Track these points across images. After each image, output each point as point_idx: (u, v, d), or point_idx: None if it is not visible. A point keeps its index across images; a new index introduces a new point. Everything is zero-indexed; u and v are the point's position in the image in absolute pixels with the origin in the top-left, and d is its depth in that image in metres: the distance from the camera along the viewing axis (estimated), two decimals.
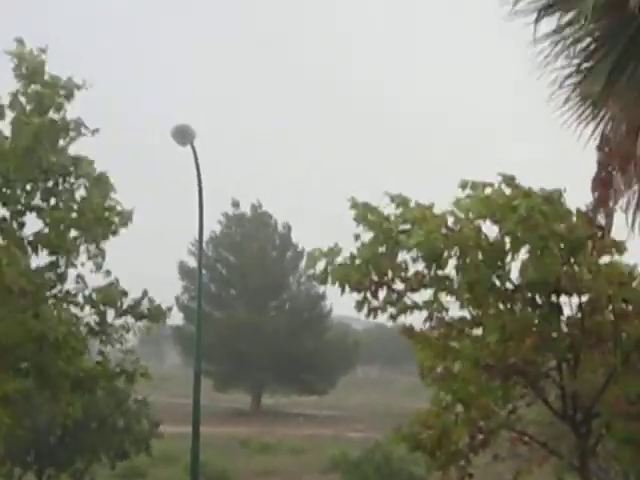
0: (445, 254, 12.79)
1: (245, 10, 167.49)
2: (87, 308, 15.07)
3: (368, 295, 13.31)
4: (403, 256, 13.05)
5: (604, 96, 9.20)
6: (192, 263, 60.25)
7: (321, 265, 13.39)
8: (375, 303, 13.40)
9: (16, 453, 20.71)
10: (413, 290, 13.24)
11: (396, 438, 13.55)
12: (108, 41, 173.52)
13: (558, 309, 13.08)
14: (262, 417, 53.17)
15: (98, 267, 15.02)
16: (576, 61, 9.42)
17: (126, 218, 15.26)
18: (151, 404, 23.76)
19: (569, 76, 9.49)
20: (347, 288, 13.29)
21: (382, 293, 13.38)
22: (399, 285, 13.31)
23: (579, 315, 13.02)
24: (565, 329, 13.02)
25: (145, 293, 15.56)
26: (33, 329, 13.87)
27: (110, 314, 15.27)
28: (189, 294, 60.10)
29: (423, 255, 12.86)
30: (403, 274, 13.13)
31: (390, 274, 13.19)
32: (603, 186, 9.92)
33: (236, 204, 63.09)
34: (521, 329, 12.75)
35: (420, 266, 13.05)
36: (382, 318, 13.95)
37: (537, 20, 8.97)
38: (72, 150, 14.95)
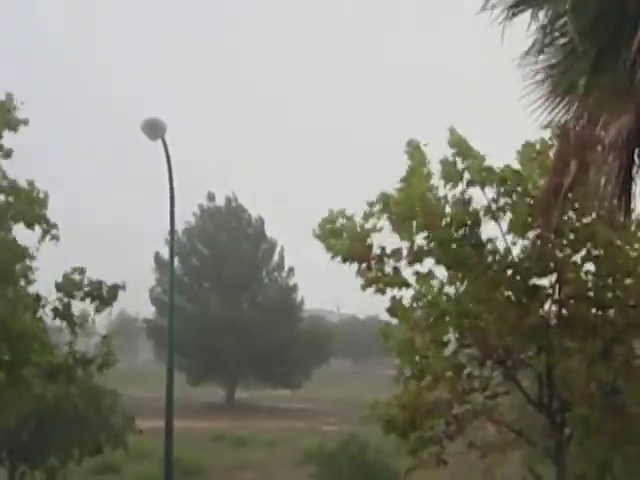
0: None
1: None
2: (53, 294, 15.25)
3: (364, 266, 13.49)
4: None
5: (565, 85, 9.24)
6: (167, 255, 59.95)
7: (328, 225, 13.61)
8: (371, 275, 13.57)
9: None
10: (414, 262, 13.39)
11: (371, 417, 13.63)
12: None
13: (533, 290, 13.17)
14: (236, 411, 53.04)
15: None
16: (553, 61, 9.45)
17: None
18: (125, 399, 23.63)
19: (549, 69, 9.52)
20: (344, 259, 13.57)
21: (377, 265, 13.56)
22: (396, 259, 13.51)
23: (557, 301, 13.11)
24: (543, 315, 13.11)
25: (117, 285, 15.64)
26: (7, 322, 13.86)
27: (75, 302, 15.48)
28: (162, 287, 59.82)
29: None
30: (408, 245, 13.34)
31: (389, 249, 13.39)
32: (558, 175, 9.97)
33: (212, 197, 62.94)
34: (488, 310, 12.84)
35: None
36: (356, 310, 14.23)
37: (508, 17, 8.97)
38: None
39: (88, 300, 15.85)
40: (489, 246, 13.34)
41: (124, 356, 16.35)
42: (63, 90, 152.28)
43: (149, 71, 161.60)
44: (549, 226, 12.45)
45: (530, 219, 12.98)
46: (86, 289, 15.71)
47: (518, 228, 13.15)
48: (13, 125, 15.30)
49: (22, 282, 15.34)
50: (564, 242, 13.26)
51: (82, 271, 15.72)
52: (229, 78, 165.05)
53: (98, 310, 16.09)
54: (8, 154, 15.46)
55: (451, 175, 13.45)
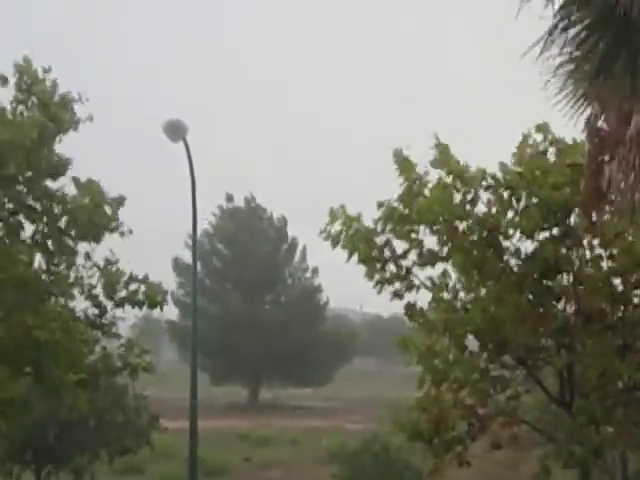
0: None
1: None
2: (86, 302, 15.15)
3: (377, 266, 13.57)
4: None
5: (595, 85, 9.21)
6: (187, 258, 60.25)
7: (337, 226, 13.72)
8: (383, 275, 13.64)
9: (14, 451, 20.72)
10: (424, 265, 13.45)
11: (395, 428, 13.68)
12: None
13: (552, 291, 13.17)
14: (260, 410, 53.16)
15: (93, 264, 15.08)
16: (568, 49, 9.41)
17: (117, 225, 15.36)
18: (149, 400, 23.76)
19: (561, 65, 9.49)
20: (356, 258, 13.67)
21: (390, 267, 13.66)
22: (408, 261, 13.60)
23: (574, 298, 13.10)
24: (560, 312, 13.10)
25: (146, 277, 15.51)
26: (32, 333, 13.85)
27: (109, 307, 15.33)
28: (184, 289, 60.00)
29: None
30: (417, 249, 13.41)
31: (400, 249, 13.44)
32: (594, 177, 9.94)
33: (230, 198, 63.08)
34: (511, 311, 12.84)
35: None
36: (379, 308, 14.34)
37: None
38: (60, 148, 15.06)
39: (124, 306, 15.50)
40: (510, 248, 13.36)
41: (148, 357, 16.38)
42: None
43: (150, 71, 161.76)
44: (594, 229, 12.55)
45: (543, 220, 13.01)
46: (122, 295, 15.39)
47: (530, 230, 13.18)
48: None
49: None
50: (583, 241, 13.26)
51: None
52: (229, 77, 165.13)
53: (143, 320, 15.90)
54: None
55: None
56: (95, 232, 14.93)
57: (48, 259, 14.86)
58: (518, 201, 13.40)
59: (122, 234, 15.35)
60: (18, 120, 14.34)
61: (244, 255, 60.03)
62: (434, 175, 13.96)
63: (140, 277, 15.53)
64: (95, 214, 14.83)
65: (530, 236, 13.29)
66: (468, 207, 13.54)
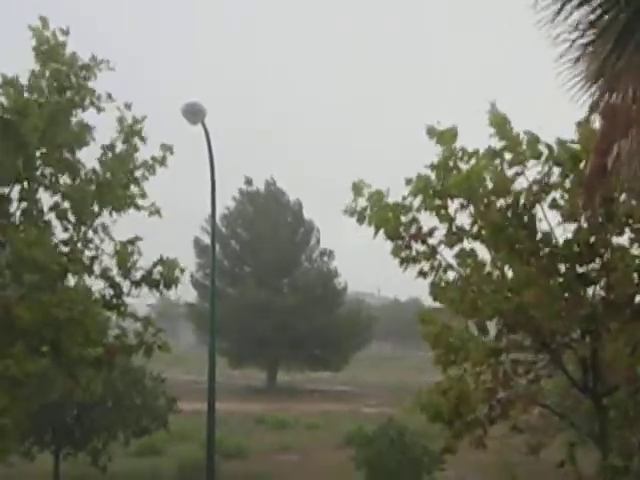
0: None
1: None
2: (101, 283, 15.10)
3: (403, 243, 13.44)
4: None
5: (609, 63, 9.05)
6: (207, 240, 60.24)
7: (362, 202, 13.57)
8: (409, 254, 13.51)
9: (33, 432, 20.81)
10: (451, 244, 13.31)
11: (415, 407, 13.59)
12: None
13: (584, 277, 13.01)
14: (277, 394, 53.29)
15: (111, 238, 15.05)
16: (582, 25, 9.26)
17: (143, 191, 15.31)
18: (167, 382, 23.82)
19: (576, 39, 9.34)
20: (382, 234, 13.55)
21: (417, 246, 13.52)
22: (435, 239, 13.46)
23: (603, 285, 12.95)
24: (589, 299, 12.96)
25: (160, 260, 15.45)
26: (51, 312, 13.87)
27: (125, 287, 15.29)
28: (203, 271, 60.17)
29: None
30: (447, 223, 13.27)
31: (426, 228, 13.32)
32: (601, 155, 9.79)
33: (249, 181, 63.08)
34: (540, 295, 12.69)
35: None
36: (397, 292, 14.19)
37: None
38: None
39: (141, 287, 15.40)
40: (542, 231, 13.16)
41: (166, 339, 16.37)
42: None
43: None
44: (593, 209, 12.29)
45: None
46: (138, 277, 15.31)
47: (571, 213, 12.91)
48: None
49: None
50: (610, 225, 13.06)
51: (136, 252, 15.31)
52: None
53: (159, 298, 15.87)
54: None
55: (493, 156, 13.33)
56: (122, 204, 14.92)
57: (68, 238, 14.83)
58: (565, 179, 13.04)
59: (152, 213, 15.32)
60: (32, 99, 14.21)
61: (262, 239, 60.07)
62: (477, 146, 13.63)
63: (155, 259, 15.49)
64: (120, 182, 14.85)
65: (571, 218, 13.00)
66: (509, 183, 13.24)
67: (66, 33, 14.71)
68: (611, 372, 12.95)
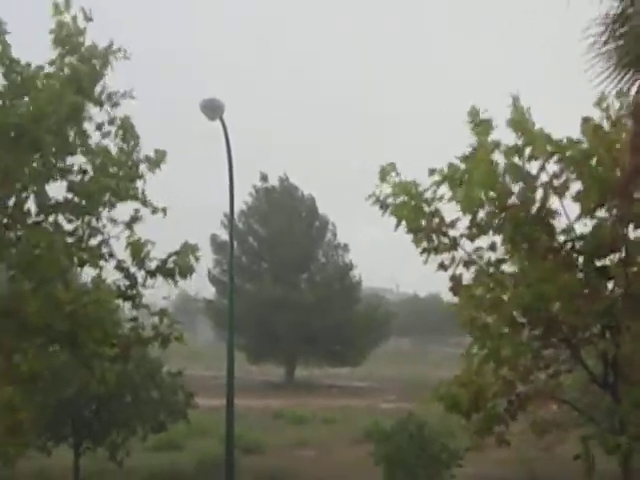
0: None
1: None
2: (116, 273, 15.09)
3: (424, 235, 13.41)
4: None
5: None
6: (224, 236, 60.35)
7: (387, 189, 13.54)
8: (430, 245, 13.48)
9: (52, 426, 20.91)
10: (473, 237, 13.27)
11: (433, 397, 13.58)
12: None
13: (603, 271, 12.96)
14: (295, 389, 53.34)
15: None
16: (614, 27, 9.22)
17: (159, 159, 15.22)
18: (185, 378, 23.88)
19: (607, 41, 9.29)
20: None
21: (438, 237, 13.49)
22: (456, 232, 13.43)
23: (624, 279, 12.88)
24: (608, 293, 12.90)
25: (176, 251, 15.40)
26: (64, 308, 13.88)
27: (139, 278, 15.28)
28: (221, 267, 60.29)
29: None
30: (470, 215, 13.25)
31: (446, 220, 13.29)
32: (637, 154, 9.75)
33: (264, 177, 63.09)
34: (560, 290, 12.65)
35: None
36: (416, 288, 14.16)
37: None
38: None
39: (156, 277, 15.33)
40: (562, 226, 13.11)
41: (184, 334, 16.35)
42: None
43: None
44: (629, 207, 12.30)
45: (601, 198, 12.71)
46: (153, 267, 15.25)
47: (589, 209, 12.85)
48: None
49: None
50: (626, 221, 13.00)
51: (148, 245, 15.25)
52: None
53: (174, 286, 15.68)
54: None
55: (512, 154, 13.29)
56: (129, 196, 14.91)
57: (73, 229, 14.82)
58: (580, 176, 12.98)
59: (154, 211, 15.26)
60: (47, 93, 14.12)
61: (279, 234, 60.16)
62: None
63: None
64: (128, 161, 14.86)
65: (588, 215, 12.93)
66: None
67: (89, 19, 14.47)
68: (631, 368, 12.89)
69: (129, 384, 21.15)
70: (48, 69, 14.40)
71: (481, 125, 13.48)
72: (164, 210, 15.23)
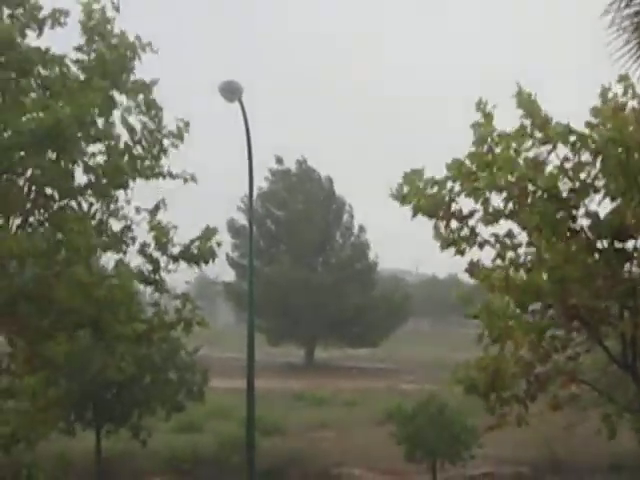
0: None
1: None
2: (139, 258, 15.16)
3: (440, 224, 13.44)
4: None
5: None
6: (241, 220, 60.60)
7: (406, 189, 13.58)
8: (448, 235, 13.52)
9: (74, 409, 21.09)
10: (489, 223, 13.28)
11: (452, 380, 13.65)
12: None
13: (623, 253, 12.93)
14: (315, 371, 53.52)
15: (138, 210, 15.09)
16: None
17: (181, 132, 15.22)
18: (206, 359, 23.97)
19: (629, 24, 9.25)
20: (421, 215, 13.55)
21: (456, 226, 13.51)
22: (473, 220, 13.43)
23: None
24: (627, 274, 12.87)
25: (204, 234, 15.43)
26: (91, 292, 13.97)
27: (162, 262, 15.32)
28: (239, 251, 60.50)
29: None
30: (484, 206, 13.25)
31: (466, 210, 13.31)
32: None
33: (280, 160, 63.05)
34: (580, 272, 12.62)
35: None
36: (436, 269, 14.21)
37: None
38: None
39: (179, 262, 15.38)
40: (582, 209, 13.05)
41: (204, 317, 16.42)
42: None
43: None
44: None
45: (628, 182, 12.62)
46: (176, 252, 15.30)
47: (613, 191, 12.77)
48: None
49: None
50: None
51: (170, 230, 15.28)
52: None
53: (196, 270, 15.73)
54: None
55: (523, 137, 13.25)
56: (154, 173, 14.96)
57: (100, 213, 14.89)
58: (597, 158, 12.88)
59: (186, 180, 15.28)
60: (80, 91, 14.10)
61: (296, 217, 60.23)
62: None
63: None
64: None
65: (614, 198, 12.85)
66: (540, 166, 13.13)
67: (117, 9, 14.47)
68: None
69: (149, 365, 21.30)
70: (74, 55, 14.47)
71: (484, 118, 13.48)
72: (193, 178, 15.28)
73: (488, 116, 13.44)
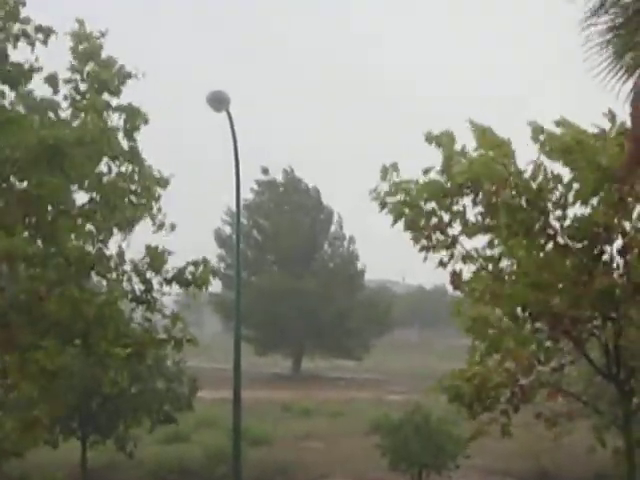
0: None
1: None
2: (132, 277, 15.18)
3: (423, 233, 13.48)
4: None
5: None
6: (228, 231, 60.60)
7: (386, 187, 13.62)
8: (429, 243, 13.55)
9: (60, 420, 21.01)
10: (470, 235, 13.33)
11: (436, 389, 13.68)
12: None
13: (598, 258, 12.98)
14: (302, 381, 53.46)
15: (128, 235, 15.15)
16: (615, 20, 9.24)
17: (164, 183, 15.40)
18: (193, 370, 23.93)
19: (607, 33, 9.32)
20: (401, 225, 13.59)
21: (437, 235, 13.56)
22: (454, 230, 13.48)
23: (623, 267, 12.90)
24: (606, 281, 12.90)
25: (204, 259, 15.57)
26: (81, 308, 14.00)
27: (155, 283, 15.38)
28: (226, 262, 60.45)
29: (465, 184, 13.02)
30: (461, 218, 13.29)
31: (447, 217, 13.35)
32: (637, 142, 9.75)
33: (265, 171, 63.20)
34: (556, 278, 12.67)
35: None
36: (422, 280, 14.22)
37: None
38: None
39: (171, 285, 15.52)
40: (557, 212, 13.13)
41: (191, 329, 16.39)
42: None
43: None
44: (630, 195, 12.34)
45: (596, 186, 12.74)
46: (170, 275, 15.43)
47: (583, 195, 12.90)
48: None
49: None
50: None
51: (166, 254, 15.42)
52: None
53: (192, 297, 15.97)
54: None
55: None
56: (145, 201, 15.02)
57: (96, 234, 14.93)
58: (573, 166, 12.99)
59: (160, 227, 15.40)
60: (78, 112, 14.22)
61: (283, 227, 60.31)
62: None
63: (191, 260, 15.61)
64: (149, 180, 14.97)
65: (585, 202, 12.95)
66: (513, 169, 13.23)
67: (103, 35, 14.74)
68: (633, 358, 12.95)
69: (135, 376, 21.26)
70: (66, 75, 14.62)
71: (442, 138, 13.60)
72: (172, 226, 15.43)
73: (448, 136, 13.60)
